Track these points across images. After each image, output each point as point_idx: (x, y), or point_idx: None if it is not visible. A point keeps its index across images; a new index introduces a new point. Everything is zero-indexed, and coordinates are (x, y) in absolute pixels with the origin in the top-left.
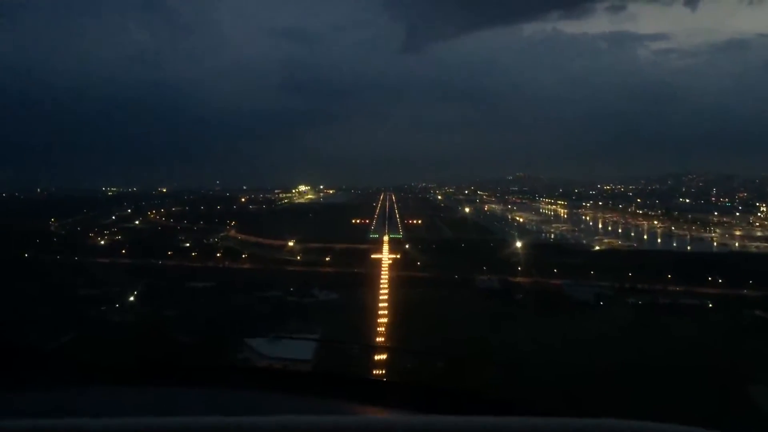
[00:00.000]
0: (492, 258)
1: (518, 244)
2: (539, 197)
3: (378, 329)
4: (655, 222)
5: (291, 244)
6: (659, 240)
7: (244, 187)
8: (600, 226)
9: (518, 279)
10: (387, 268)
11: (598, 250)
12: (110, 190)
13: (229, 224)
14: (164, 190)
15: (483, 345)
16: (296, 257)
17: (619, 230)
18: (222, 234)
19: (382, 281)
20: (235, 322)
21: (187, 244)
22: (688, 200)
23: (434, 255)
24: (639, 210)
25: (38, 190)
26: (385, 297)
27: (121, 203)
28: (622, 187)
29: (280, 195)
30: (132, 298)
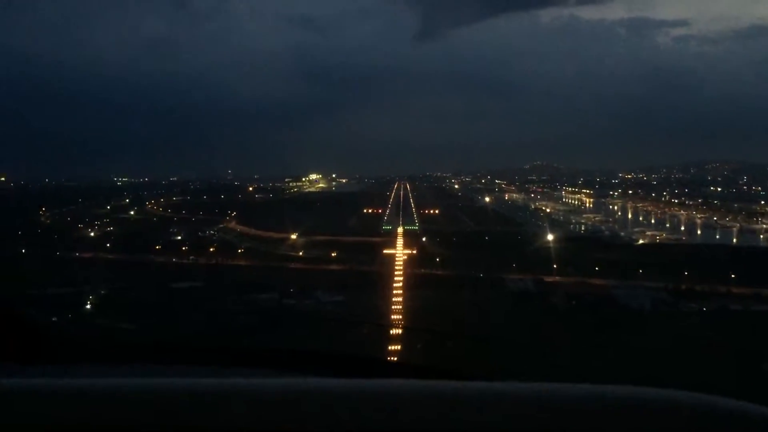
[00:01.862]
0: (521, 253)
1: (549, 237)
2: (560, 186)
3: (390, 346)
4: (695, 212)
5: (294, 237)
6: (707, 232)
7: (256, 176)
8: (635, 216)
9: (554, 278)
10: (402, 265)
11: (642, 244)
12: (120, 180)
13: (230, 215)
14: (174, 180)
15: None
16: (299, 252)
17: (658, 221)
18: (220, 225)
19: (395, 281)
20: (213, 335)
21: (179, 237)
22: (719, 189)
23: (455, 249)
24: (674, 199)
25: (46, 180)
26: (399, 300)
27: (122, 193)
28: (644, 176)
29: (290, 184)
30: (89, 306)
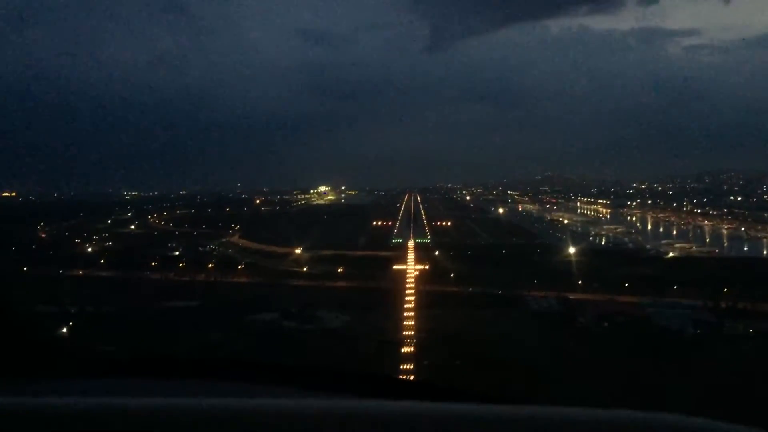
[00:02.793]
0: (541, 268)
1: (570, 250)
2: (574, 197)
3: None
4: (720, 222)
5: (299, 251)
6: (737, 243)
7: (265, 189)
8: (658, 227)
9: (580, 296)
10: (413, 281)
11: (673, 257)
12: (129, 195)
13: (233, 228)
14: (184, 193)
15: None
16: (303, 268)
17: (684, 232)
18: (222, 240)
19: (406, 300)
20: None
21: (176, 253)
22: (740, 198)
23: (470, 264)
24: (696, 209)
25: (55, 195)
26: (411, 324)
27: (127, 207)
28: (659, 186)
29: (298, 196)
30: (67, 328)
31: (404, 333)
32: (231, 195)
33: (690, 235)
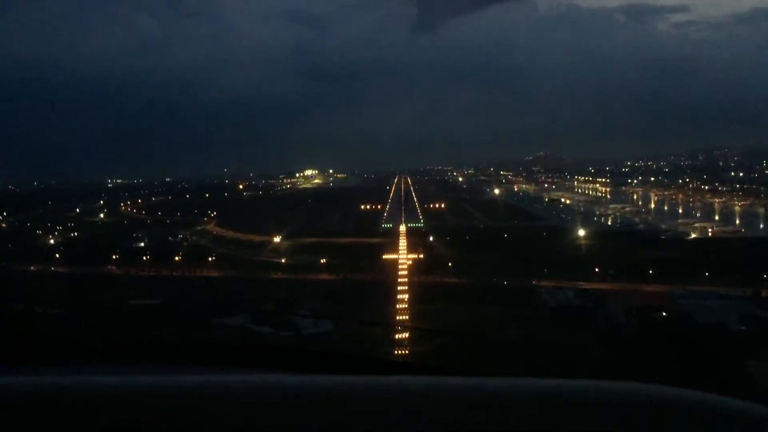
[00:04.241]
0: (550, 254)
1: (578, 232)
2: (569, 176)
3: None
4: (732, 199)
5: (278, 239)
6: (759, 221)
7: (251, 174)
8: (667, 206)
9: (600, 286)
10: (406, 273)
11: (695, 239)
12: (112, 182)
13: (210, 215)
14: (169, 180)
15: None
16: (282, 259)
17: (696, 210)
18: (196, 228)
19: (399, 297)
20: None
21: (142, 244)
22: (741, 174)
23: (470, 251)
24: (704, 185)
25: (34, 183)
26: (406, 325)
27: (101, 195)
28: (653, 164)
29: (284, 180)
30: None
31: (398, 340)
32: (215, 181)
33: (705, 214)
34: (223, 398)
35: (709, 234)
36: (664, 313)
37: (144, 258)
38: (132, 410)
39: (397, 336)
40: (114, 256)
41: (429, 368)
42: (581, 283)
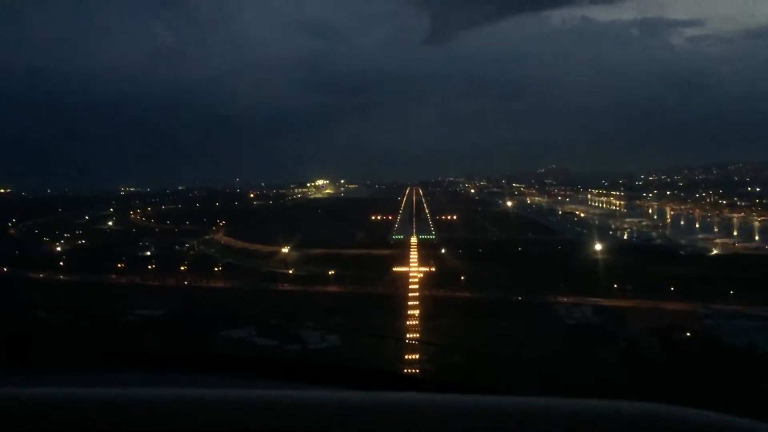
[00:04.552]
0: (566, 269)
1: (594, 246)
2: (581, 189)
3: None
4: (751, 214)
5: (286, 250)
6: None
7: (262, 183)
8: (684, 220)
9: (619, 303)
10: (417, 287)
11: (717, 255)
12: (125, 190)
13: (219, 224)
14: (182, 189)
15: None
16: (290, 270)
17: (714, 225)
18: (205, 237)
19: (410, 312)
20: None
21: (148, 253)
22: (758, 189)
23: (483, 264)
24: (722, 200)
25: (48, 190)
26: (416, 340)
27: (112, 202)
28: (667, 178)
29: (295, 190)
30: None
31: (408, 356)
32: (227, 190)
33: (725, 229)
34: (225, 410)
35: (731, 251)
36: (688, 334)
37: (149, 267)
38: (131, 420)
39: (407, 352)
40: (119, 265)
41: (438, 385)
42: (599, 299)
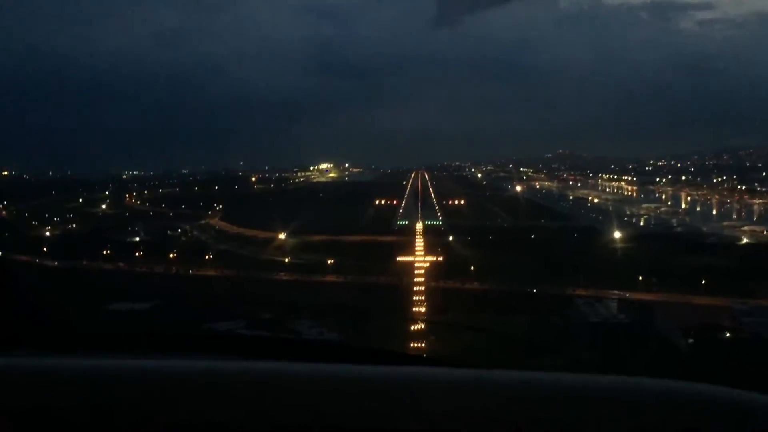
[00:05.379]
0: (583, 258)
1: (612, 234)
2: (591, 174)
3: None
4: None
5: (284, 236)
6: None
7: (266, 167)
8: (704, 207)
9: (645, 297)
10: (424, 277)
11: (745, 243)
12: (127, 174)
13: (216, 209)
14: (185, 172)
15: None
16: (286, 257)
17: (738, 212)
18: (200, 222)
19: (415, 307)
20: None
21: (137, 238)
22: None
23: (493, 253)
24: (740, 185)
25: (49, 173)
26: (420, 336)
27: (108, 185)
28: (677, 162)
29: (297, 173)
30: None
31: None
32: (229, 173)
33: (749, 216)
34: (229, 383)
35: (763, 238)
36: (727, 334)
37: (137, 254)
38: (130, 391)
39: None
40: (104, 252)
41: (442, 362)
42: (623, 293)
